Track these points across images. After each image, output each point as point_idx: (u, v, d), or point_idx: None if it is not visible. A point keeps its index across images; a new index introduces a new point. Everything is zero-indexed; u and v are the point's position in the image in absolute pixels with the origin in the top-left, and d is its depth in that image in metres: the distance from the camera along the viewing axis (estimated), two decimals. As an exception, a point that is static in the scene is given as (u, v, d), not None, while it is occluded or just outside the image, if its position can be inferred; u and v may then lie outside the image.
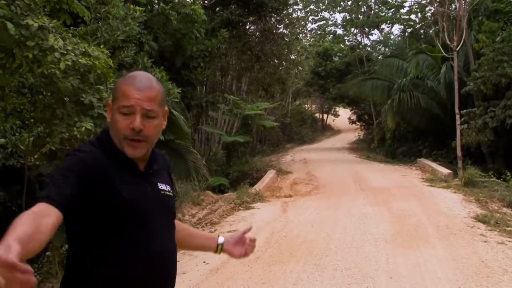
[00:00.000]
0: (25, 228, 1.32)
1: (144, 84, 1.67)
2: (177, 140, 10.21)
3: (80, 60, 4.10)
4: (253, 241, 2.07)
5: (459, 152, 13.96)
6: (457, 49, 14.35)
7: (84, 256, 1.60)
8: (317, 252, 6.47)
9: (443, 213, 8.66)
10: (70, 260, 1.66)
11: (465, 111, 14.91)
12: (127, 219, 1.61)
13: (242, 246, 2.03)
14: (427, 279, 5.22)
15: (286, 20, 19.93)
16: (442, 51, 15.36)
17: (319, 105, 44.60)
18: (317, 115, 46.05)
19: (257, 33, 18.10)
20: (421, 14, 26.60)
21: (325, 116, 46.19)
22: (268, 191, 12.44)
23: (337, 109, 43.84)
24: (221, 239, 2.02)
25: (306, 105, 43.85)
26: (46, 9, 4.44)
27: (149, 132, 1.65)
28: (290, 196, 11.72)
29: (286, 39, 20.10)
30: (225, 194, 11.74)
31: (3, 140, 6.17)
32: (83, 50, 4.27)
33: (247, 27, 17.67)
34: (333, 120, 46.21)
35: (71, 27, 5.29)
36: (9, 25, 3.66)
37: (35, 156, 5.53)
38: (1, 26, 3.70)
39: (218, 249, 2.01)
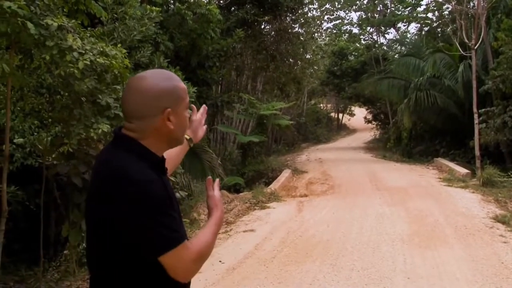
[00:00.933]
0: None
1: None
2: (192, 140, 10.22)
3: (98, 59, 4.13)
4: (204, 111, 2.35)
5: (477, 152, 13.78)
6: (475, 47, 14.16)
7: (135, 265, 1.61)
8: (333, 252, 6.44)
9: (461, 213, 8.56)
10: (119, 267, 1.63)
11: (483, 110, 14.69)
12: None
13: (201, 126, 2.31)
14: (445, 280, 5.17)
15: (302, 19, 19.89)
16: (460, 49, 15.17)
17: (334, 104, 44.39)
18: (332, 114, 45.85)
19: (272, 33, 18.07)
20: (438, 12, 26.28)
21: (340, 115, 45.98)
22: (283, 190, 12.41)
23: (353, 108, 43.60)
24: (188, 137, 2.23)
25: (321, 105, 43.67)
26: (64, 10, 4.48)
27: None
28: (306, 195, 11.69)
29: (302, 38, 20.05)
30: (241, 194, 11.75)
31: (21, 139, 6.24)
32: (101, 49, 4.29)
33: (262, 26, 17.66)
34: (349, 120, 45.98)
35: (88, 28, 5.34)
36: (29, 25, 3.70)
37: (53, 156, 5.58)
38: (21, 26, 3.74)
39: (191, 145, 2.26)
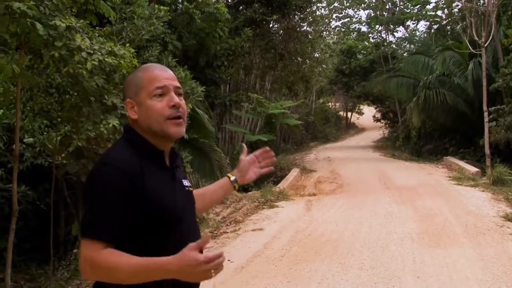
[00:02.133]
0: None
1: (163, 67, 1.75)
2: (201, 139, 10.25)
3: (106, 59, 4.14)
4: (262, 153, 2.13)
5: (487, 150, 13.69)
6: (485, 45, 14.06)
7: None
8: (342, 251, 6.43)
9: (471, 212, 8.50)
10: None
11: (493, 108, 14.58)
12: (164, 220, 1.61)
13: (253, 169, 2.11)
14: (455, 279, 5.13)
15: (310, 18, 19.85)
16: (470, 47, 15.07)
17: (343, 103, 44.29)
18: (341, 113, 45.77)
19: (281, 31, 18.04)
20: (447, 10, 26.12)
21: (349, 114, 45.86)
22: (292, 189, 12.41)
23: (362, 107, 43.47)
24: (232, 178, 2.09)
25: (330, 103, 43.60)
26: (73, 10, 4.51)
27: (184, 109, 1.70)
28: (314, 194, 11.67)
29: (310, 37, 20.03)
30: (249, 193, 11.75)
31: (31, 139, 6.29)
32: (109, 49, 4.31)
33: (271, 25, 17.64)
34: (357, 118, 45.86)
35: (97, 28, 5.36)
36: (38, 26, 3.72)
37: (62, 155, 5.61)
38: (30, 26, 3.77)
39: (236, 186, 2.10)
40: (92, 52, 4.11)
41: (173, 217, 1.64)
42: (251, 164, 2.11)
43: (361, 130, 43.50)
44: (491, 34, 14.01)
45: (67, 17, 4.06)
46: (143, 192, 1.56)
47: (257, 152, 2.14)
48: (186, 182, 1.80)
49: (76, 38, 4.02)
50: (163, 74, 1.69)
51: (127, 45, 5.18)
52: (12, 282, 5.32)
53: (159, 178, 1.65)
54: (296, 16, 18.04)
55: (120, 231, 1.54)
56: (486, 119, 13.88)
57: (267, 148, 2.17)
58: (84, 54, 4.04)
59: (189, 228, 1.71)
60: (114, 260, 1.49)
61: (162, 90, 1.66)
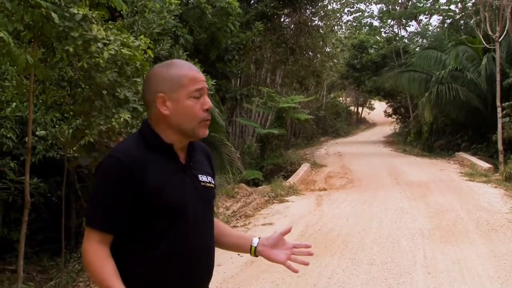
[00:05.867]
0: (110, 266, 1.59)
1: (193, 66, 1.74)
2: (211, 133, 10.25)
3: (122, 50, 4.15)
4: (299, 246, 1.97)
5: (500, 146, 13.57)
6: (500, 39, 13.90)
7: (121, 248, 1.61)
8: (352, 246, 6.41)
9: (483, 208, 8.44)
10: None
11: (507, 103, 14.41)
12: (163, 212, 1.62)
13: (283, 251, 1.94)
14: (467, 276, 5.10)
15: (322, 12, 19.70)
16: (484, 42, 14.90)
17: (354, 98, 44.07)
18: (352, 108, 45.55)
19: (292, 26, 17.95)
20: (461, 4, 25.84)
21: (360, 109, 45.64)
22: (302, 184, 12.38)
23: (373, 102, 43.23)
24: (254, 241, 1.93)
25: (341, 98, 43.41)
26: (86, 4, 4.52)
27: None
28: (325, 189, 11.63)
29: (321, 31, 19.88)
30: (259, 187, 11.75)
31: (43, 132, 6.33)
32: (124, 40, 4.31)
33: (282, 19, 17.56)
34: (368, 113, 45.65)
35: (109, 21, 5.37)
36: (54, 15, 3.74)
37: (74, 148, 5.65)
38: (44, 17, 3.78)
39: (252, 251, 1.93)
40: (108, 42, 4.12)
41: (175, 209, 1.64)
42: (286, 246, 1.96)
43: (372, 125, 43.29)
44: (506, 28, 13.83)
45: (82, 7, 4.08)
46: (142, 183, 1.59)
47: (297, 243, 2.01)
48: (204, 178, 1.78)
49: (92, 28, 4.04)
50: (200, 76, 1.70)
51: (141, 36, 5.18)
52: (25, 273, 5.38)
53: (166, 171, 1.66)
54: (307, 10, 17.94)
55: (116, 221, 1.59)
56: (499, 115, 13.74)
57: (310, 245, 2.02)
58: (100, 44, 4.05)
59: (196, 222, 1.69)
60: (94, 262, 1.58)
61: (199, 92, 1.67)
